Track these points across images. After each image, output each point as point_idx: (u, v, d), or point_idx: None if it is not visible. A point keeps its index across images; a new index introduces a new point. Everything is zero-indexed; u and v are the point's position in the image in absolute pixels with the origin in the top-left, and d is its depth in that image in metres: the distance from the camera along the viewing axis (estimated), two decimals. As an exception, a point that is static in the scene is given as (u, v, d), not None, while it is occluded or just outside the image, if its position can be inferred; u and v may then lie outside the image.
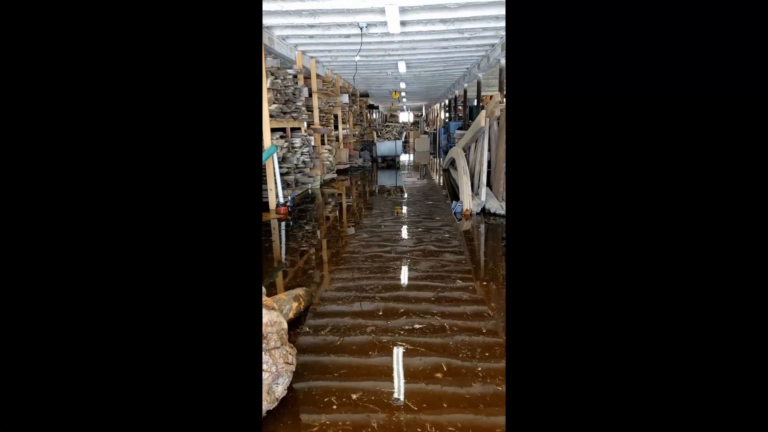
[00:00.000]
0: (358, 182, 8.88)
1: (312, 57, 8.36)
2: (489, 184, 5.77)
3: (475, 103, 11.39)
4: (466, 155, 6.43)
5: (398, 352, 2.14)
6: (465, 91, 12.63)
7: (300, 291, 2.61)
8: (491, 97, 6.09)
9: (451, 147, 10.21)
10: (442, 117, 21.05)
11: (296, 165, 6.86)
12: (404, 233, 4.56)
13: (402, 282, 3.15)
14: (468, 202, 5.32)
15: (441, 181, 8.48)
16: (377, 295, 2.88)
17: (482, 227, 4.78)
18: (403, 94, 17.90)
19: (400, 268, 3.42)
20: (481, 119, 5.60)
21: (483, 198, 5.45)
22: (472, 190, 5.61)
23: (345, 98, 10.88)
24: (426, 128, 23.76)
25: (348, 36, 6.70)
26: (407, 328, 2.39)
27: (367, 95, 15.80)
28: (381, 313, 2.59)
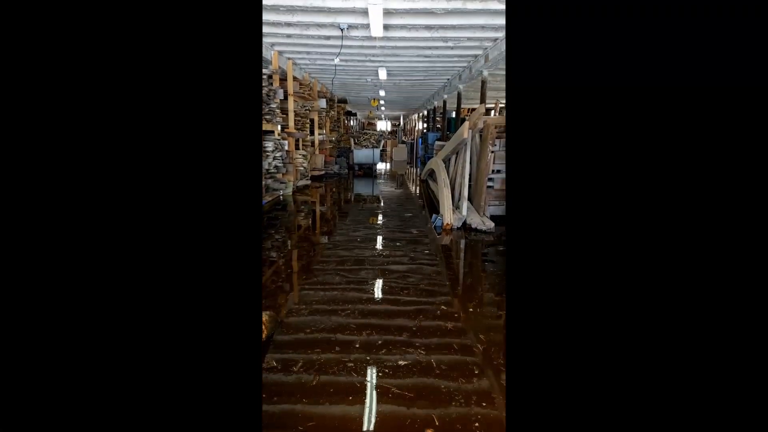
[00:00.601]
0: (334, 190, 8.54)
1: (289, 58, 8.02)
2: (470, 198, 5.57)
3: (454, 115, 11.31)
4: (446, 167, 6.23)
5: (374, 396, 1.84)
6: (444, 102, 12.56)
7: (263, 316, 2.27)
8: (471, 109, 5.95)
9: (428, 157, 10.04)
10: (420, 127, 21.07)
11: (267, 170, 6.48)
12: (380, 245, 4.27)
13: (378, 303, 2.84)
14: (449, 215, 5.10)
15: (418, 191, 8.26)
16: (352, 319, 2.56)
17: (463, 243, 4.56)
18: (381, 102, 17.76)
19: (376, 287, 3.12)
20: (464, 131, 5.41)
21: (464, 212, 5.24)
22: (453, 203, 5.40)
23: (322, 103, 10.58)
24: (404, 138, 23.72)
25: (328, 38, 6.42)
26: (388, 364, 2.09)
27: (345, 101, 15.55)
28: (358, 346, 2.27)
